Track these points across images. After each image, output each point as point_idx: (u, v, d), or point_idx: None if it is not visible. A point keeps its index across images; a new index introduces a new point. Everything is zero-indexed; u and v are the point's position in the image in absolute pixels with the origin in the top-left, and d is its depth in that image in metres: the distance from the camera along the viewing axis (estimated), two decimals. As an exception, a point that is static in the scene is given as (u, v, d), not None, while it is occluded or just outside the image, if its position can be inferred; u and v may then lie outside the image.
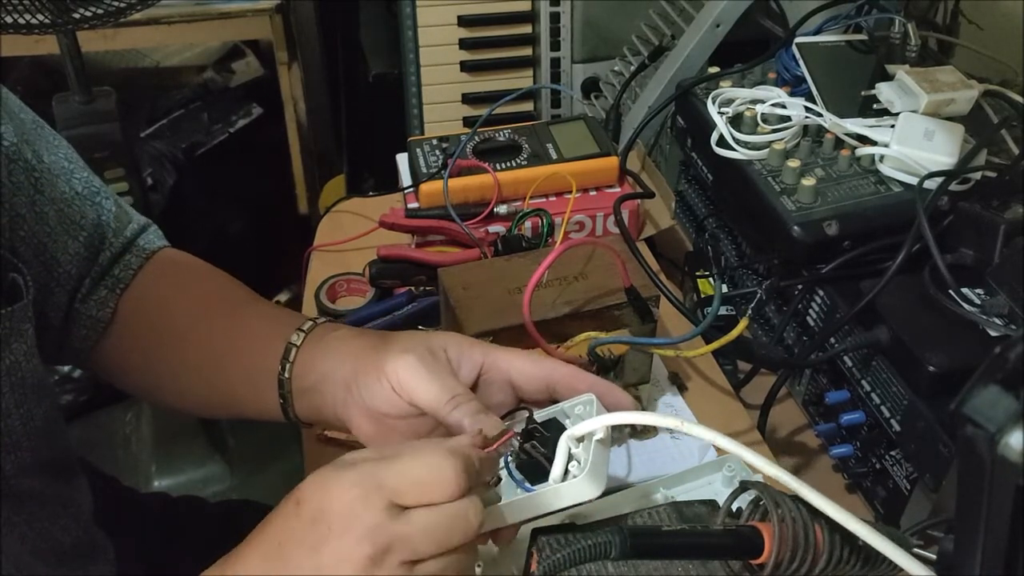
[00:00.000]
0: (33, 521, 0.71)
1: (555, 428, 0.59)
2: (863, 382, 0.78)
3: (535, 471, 0.57)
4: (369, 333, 0.70)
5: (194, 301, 0.78)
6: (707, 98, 0.94)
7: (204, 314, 0.77)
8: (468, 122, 1.26)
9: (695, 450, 0.79)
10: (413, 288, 0.89)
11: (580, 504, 0.57)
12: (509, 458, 0.58)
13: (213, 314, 0.77)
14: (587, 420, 0.56)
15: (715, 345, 0.71)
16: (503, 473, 0.58)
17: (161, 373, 0.77)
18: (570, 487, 0.55)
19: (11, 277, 0.66)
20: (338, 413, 0.67)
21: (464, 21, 1.21)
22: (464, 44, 1.22)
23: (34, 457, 0.69)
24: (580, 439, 0.56)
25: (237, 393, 0.74)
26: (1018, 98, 0.92)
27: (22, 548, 0.70)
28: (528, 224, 0.95)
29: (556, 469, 0.56)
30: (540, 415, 0.61)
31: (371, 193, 1.11)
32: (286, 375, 0.69)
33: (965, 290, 0.74)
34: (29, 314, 0.67)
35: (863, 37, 0.99)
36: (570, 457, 0.56)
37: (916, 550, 0.53)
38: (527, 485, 0.57)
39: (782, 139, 0.88)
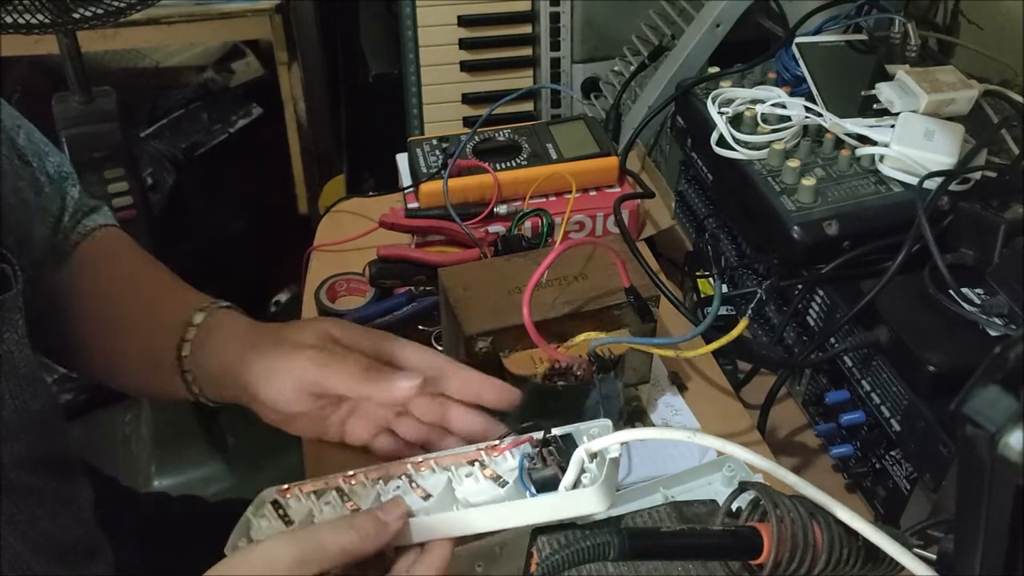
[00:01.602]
0: (35, 519, 0.72)
1: (571, 444, 0.60)
2: (863, 382, 0.78)
3: (545, 485, 0.57)
4: (259, 333, 0.72)
5: (115, 283, 0.80)
6: (707, 98, 0.94)
7: (120, 297, 0.79)
8: (468, 122, 1.26)
9: (695, 450, 0.79)
10: (413, 288, 0.89)
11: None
12: (524, 463, 0.58)
13: (128, 298, 0.79)
14: (603, 436, 0.56)
15: (715, 345, 0.71)
16: (513, 476, 0.59)
17: (87, 351, 0.79)
18: (579, 496, 0.55)
19: (1, 268, 0.66)
20: (244, 403, 0.70)
21: (464, 21, 1.21)
22: (464, 44, 1.22)
23: (31, 450, 0.70)
24: (594, 455, 0.57)
25: (149, 376, 0.76)
26: (1018, 98, 0.92)
27: (23, 546, 0.70)
28: (528, 224, 0.95)
29: (568, 477, 0.56)
30: (557, 432, 0.61)
31: (371, 193, 1.11)
32: (186, 366, 0.73)
33: (965, 290, 0.74)
34: (19, 304, 0.67)
35: (863, 37, 0.99)
36: (583, 471, 0.57)
37: (916, 550, 0.53)
38: (532, 490, 0.57)
39: (782, 139, 0.88)
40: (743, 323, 0.70)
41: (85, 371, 0.83)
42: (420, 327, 0.86)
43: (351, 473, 0.62)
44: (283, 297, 2.01)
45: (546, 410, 0.74)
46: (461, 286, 0.76)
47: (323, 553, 0.52)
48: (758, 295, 0.82)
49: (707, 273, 0.96)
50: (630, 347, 0.75)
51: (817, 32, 1.00)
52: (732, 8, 1.06)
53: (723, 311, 0.91)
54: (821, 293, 0.82)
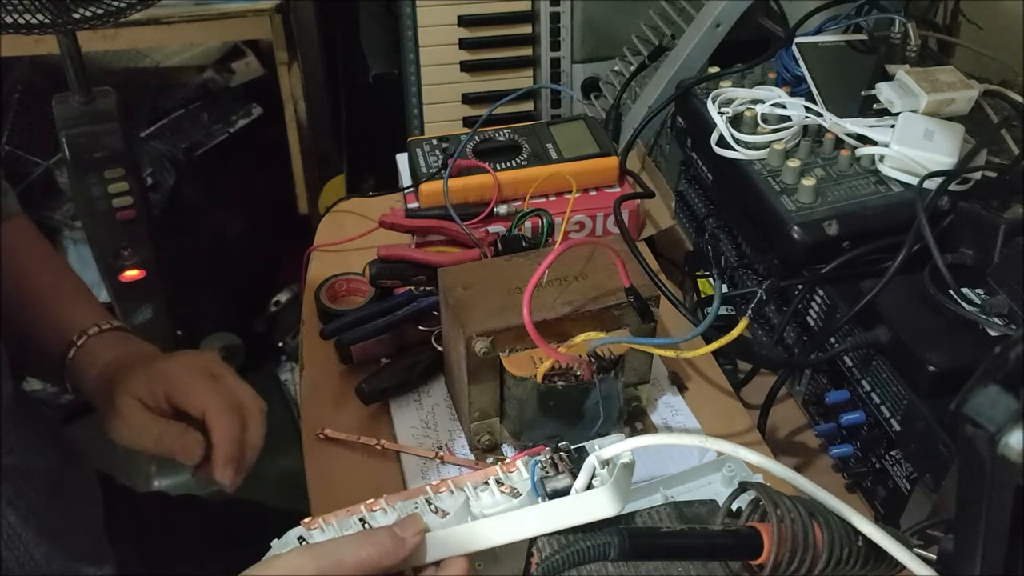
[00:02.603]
0: (37, 507, 0.72)
1: (583, 454, 0.60)
2: (863, 382, 0.78)
3: (558, 493, 0.58)
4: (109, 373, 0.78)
5: (11, 275, 0.83)
6: (707, 98, 0.94)
7: (16, 288, 0.82)
8: (468, 122, 1.26)
9: (695, 450, 0.79)
10: (413, 288, 0.89)
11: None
12: (536, 470, 0.59)
13: (22, 292, 0.83)
14: (614, 444, 0.57)
15: (715, 345, 0.71)
16: (526, 484, 0.59)
17: None
18: (590, 497, 0.56)
19: None
20: None
21: (464, 21, 1.21)
22: (464, 44, 1.22)
23: (11, 431, 0.70)
24: (606, 462, 0.57)
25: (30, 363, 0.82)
26: (1018, 98, 0.92)
27: (23, 528, 0.70)
28: (528, 224, 0.95)
29: (580, 481, 0.57)
30: (572, 445, 0.62)
31: (371, 193, 1.11)
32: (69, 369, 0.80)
33: (965, 290, 0.74)
34: None
35: (863, 37, 0.99)
36: (594, 476, 0.57)
37: (916, 550, 0.53)
38: (545, 498, 0.58)
39: (782, 139, 0.88)
40: (743, 323, 0.70)
41: None
42: (420, 327, 0.86)
43: (371, 501, 0.63)
44: (283, 297, 2.01)
45: (546, 410, 0.74)
46: (461, 286, 0.76)
47: (341, 567, 0.53)
48: (758, 295, 0.83)
49: (707, 273, 0.96)
50: (630, 347, 0.75)
51: (817, 32, 1.00)
52: (732, 8, 1.06)
53: (723, 311, 0.91)
54: (821, 293, 0.82)
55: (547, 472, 0.59)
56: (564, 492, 0.58)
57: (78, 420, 1.79)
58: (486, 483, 0.61)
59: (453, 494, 0.61)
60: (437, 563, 0.57)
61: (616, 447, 0.57)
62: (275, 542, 0.61)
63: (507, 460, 0.62)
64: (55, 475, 0.77)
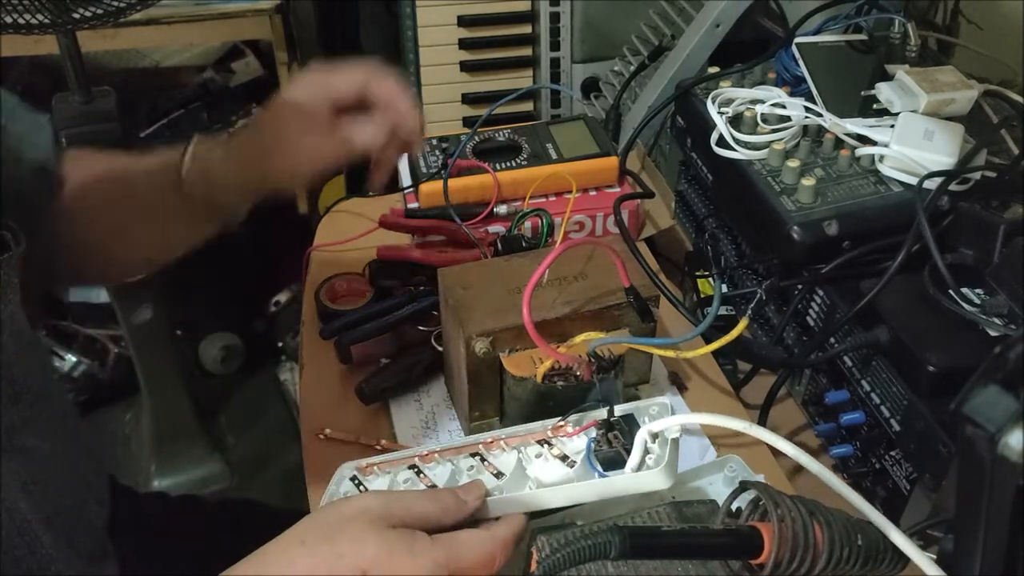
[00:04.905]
0: (50, 493, 0.72)
1: (632, 424, 0.65)
2: (863, 382, 0.78)
3: (610, 463, 0.62)
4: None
5: (102, 167, 0.86)
6: (707, 98, 0.94)
7: (115, 172, 0.86)
8: (468, 122, 1.26)
9: (695, 450, 0.79)
10: (413, 288, 0.89)
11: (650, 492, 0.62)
12: (592, 446, 0.63)
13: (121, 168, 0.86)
14: (663, 419, 0.61)
15: (715, 345, 0.71)
16: (580, 457, 0.63)
17: (101, 245, 0.85)
18: (647, 476, 0.60)
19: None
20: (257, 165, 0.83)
21: (464, 21, 1.21)
22: (464, 44, 1.22)
23: (36, 413, 0.71)
24: (655, 435, 0.61)
25: (156, 216, 0.88)
26: (1018, 98, 0.92)
27: (35, 515, 0.71)
28: (528, 224, 0.95)
29: (633, 459, 0.61)
30: (618, 410, 0.66)
31: (371, 193, 1.11)
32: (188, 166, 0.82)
33: (965, 290, 0.74)
34: (15, 267, 0.69)
35: (863, 37, 0.99)
36: (646, 451, 0.61)
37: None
38: (600, 470, 0.62)
39: (782, 139, 0.88)
40: (743, 323, 0.70)
41: (103, 272, 0.94)
42: (420, 327, 0.86)
43: (425, 452, 0.67)
44: (283, 297, 2.01)
45: (546, 410, 0.74)
46: (461, 286, 0.76)
47: (407, 513, 0.56)
48: (758, 295, 0.82)
49: (707, 273, 0.96)
50: (630, 347, 0.75)
51: (817, 32, 1.00)
52: (732, 8, 1.06)
53: (723, 311, 0.91)
54: (821, 293, 0.82)
55: (600, 447, 0.63)
56: (617, 461, 0.62)
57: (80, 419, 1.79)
58: (539, 444, 0.66)
59: (505, 451, 0.66)
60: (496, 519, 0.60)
61: (665, 422, 0.60)
62: (331, 484, 0.67)
63: (559, 425, 0.67)
64: (70, 466, 0.77)
